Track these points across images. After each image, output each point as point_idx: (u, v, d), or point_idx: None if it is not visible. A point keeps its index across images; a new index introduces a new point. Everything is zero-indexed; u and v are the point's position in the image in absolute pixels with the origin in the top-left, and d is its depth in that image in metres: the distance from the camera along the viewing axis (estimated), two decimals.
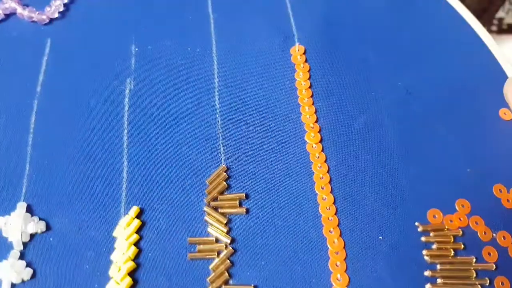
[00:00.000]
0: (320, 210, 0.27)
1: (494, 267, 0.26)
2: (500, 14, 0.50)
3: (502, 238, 0.27)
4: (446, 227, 0.27)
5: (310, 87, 0.31)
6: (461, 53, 0.33)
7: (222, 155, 0.28)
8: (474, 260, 0.26)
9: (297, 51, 0.32)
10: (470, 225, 0.27)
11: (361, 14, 0.34)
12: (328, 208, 0.27)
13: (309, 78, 0.31)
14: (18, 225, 0.25)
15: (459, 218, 0.27)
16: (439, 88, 0.31)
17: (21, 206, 0.26)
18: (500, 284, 0.26)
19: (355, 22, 0.34)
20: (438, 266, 0.26)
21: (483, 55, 0.33)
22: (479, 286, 0.25)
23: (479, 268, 0.26)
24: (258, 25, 0.33)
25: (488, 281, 0.25)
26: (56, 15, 0.32)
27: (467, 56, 0.33)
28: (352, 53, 0.32)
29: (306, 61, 0.32)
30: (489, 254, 0.26)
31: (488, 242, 0.27)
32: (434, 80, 0.32)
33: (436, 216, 0.27)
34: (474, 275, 0.26)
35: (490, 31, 0.51)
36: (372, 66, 0.32)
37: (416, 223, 0.27)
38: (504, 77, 0.32)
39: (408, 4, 0.35)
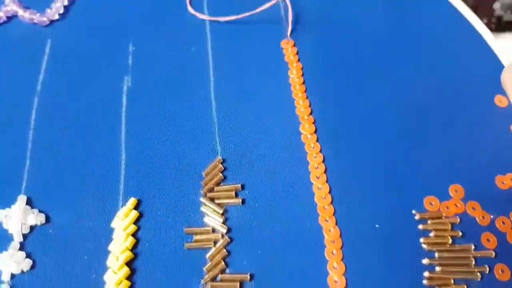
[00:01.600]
0: (315, 199, 0.27)
1: (494, 254, 0.26)
2: (498, 12, 0.50)
3: (502, 224, 0.27)
4: (444, 215, 0.27)
5: (303, 83, 0.31)
6: (457, 44, 0.33)
7: (218, 147, 0.29)
8: (473, 247, 0.26)
9: (288, 45, 0.33)
10: (467, 211, 0.27)
11: (353, 11, 0.35)
12: (323, 197, 0.27)
13: (302, 75, 0.32)
14: (18, 217, 0.26)
15: (455, 204, 0.27)
16: (436, 79, 0.32)
17: (21, 199, 0.27)
18: (500, 272, 0.25)
19: (348, 19, 0.35)
20: (436, 254, 0.26)
21: (479, 45, 0.33)
22: (478, 273, 0.25)
23: (478, 255, 0.26)
24: (252, 26, 0.34)
25: (488, 269, 0.25)
26: (56, 17, 0.33)
27: (462, 47, 0.33)
28: (345, 50, 0.33)
29: (299, 60, 0.32)
30: (488, 240, 0.26)
31: (487, 228, 0.27)
32: (430, 71, 0.32)
33: (433, 203, 0.27)
34: (473, 262, 0.26)
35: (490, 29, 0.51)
36: (366, 61, 0.32)
37: (413, 211, 0.27)
38: (499, 65, 0.32)
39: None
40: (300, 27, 0.34)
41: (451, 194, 0.28)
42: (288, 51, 0.33)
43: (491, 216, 0.27)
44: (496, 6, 0.43)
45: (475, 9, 0.47)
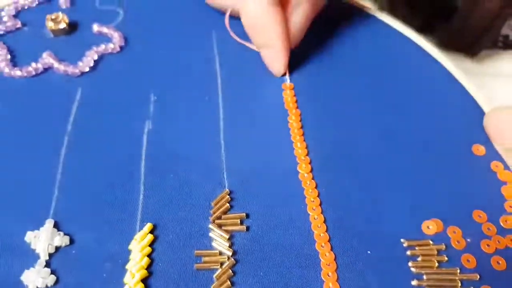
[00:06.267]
0: (312, 228, 0.30)
1: (478, 277, 0.28)
2: (505, 31, 0.52)
3: (487, 246, 0.30)
4: (431, 242, 0.30)
5: (301, 127, 0.36)
6: (435, 91, 0.38)
7: (226, 182, 0.32)
8: (459, 270, 0.29)
9: (288, 93, 0.38)
10: (447, 233, 0.30)
11: (347, 62, 0.40)
12: (319, 225, 0.30)
13: (300, 120, 0.36)
14: (46, 238, 0.29)
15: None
16: (418, 128, 0.36)
17: (49, 222, 0.30)
18: None
19: (342, 69, 0.40)
20: (425, 276, 0.29)
21: (455, 90, 0.38)
22: None
23: (464, 278, 0.28)
24: (258, 79, 0.39)
25: None
26: (87, 69, 0.38)
27: (441, 94, 0.38)
28: (338, 98, 0.38)
29: (297, 107, 0.37)
30: (468, 261, 0.29)
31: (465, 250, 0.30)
32: (412, 120, 0.37)
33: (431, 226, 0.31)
34: (460, 284, 0.28)
35: (496, 48, 0.54)
36: (357, 108, 0.37)
37: (402, 240, 0.30)
38: (478, 110, 0.37)
39: (384, 50, 0.42)
40: (300, 79, 0.39)
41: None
42: (288, 100, 0.37)
43: (467, 240, 0.30)
44: None
45: None
